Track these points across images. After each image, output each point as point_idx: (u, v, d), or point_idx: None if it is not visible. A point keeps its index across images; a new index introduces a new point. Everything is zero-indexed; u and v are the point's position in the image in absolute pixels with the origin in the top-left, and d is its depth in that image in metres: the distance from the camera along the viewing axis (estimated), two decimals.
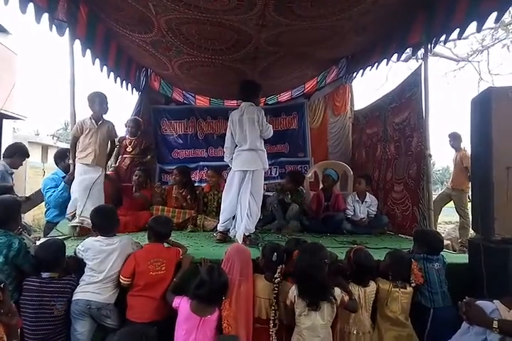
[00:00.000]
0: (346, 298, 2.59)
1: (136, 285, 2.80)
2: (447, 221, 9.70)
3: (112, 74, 5.42)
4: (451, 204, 6.45)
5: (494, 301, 2.09)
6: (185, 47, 4.57)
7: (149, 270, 2.78)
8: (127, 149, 5.78)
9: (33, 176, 11.46)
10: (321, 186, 5.55)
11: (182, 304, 2.58)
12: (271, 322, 2.65)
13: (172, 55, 4.88)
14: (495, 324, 1.94)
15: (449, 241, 6.09)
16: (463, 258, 3.32)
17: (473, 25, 3.66)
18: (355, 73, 6.36)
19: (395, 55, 5.15)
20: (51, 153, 9.96)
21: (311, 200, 5.43)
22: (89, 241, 2.92)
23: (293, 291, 2.59)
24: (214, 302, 2.54)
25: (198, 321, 2.51)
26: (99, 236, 2.91)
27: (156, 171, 6.81)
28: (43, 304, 2.62)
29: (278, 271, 2.69)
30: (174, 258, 2.93)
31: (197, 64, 5.09)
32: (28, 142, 12.20)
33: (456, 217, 7.96)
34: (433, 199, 4.52)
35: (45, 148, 13.79)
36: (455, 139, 6.17)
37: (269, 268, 2.81)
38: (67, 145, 4.61)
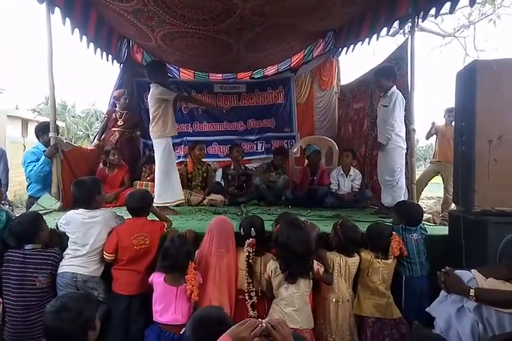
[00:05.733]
0: (321, 269, 2.64)
1: (120, 260, 2.82)
2: (429, 196, 9.88)
3: (91, 45, 5.22)
4: (434, 180, 6.51)
5: (472, 270, 2.15)
6: (168, 17, 4.39)
7: (133, 244, 2.79)
8: (118, 122, 5.65)
9: (13, 151, 11.19)
10: (306, 162, 5.56)
11: (155, 279, 2.62)
12: (246, 294, 2.70)
13: (154, 25, 4.69)
14: (472, 292, 2.00)
15: (430, 215, 6.21)
16: (443, 230, 3.40)
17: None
18: (345, 48, 6.25)
19: (385, 29, 5.07)
20: (31, 128, 9.73)
21: (297, 175, 5.47)
22: (71, 214, 2.89)
23: (270, 265, 2.63)
24: (185, 270, 2.56)
25: (175, 291, 2.56)
26: (80, 209, 2.88)
27: (140, 146, 6.71)
28: (26, 276, 2.62)
29: (245, 245, 2.71)
30: (158, 232, 2.93)
31: (180, 35, 4.91)
32: (7, 116, 11.87)
33: (438, 193, 8.11)
34: (416, 173, 4.56)
35: (25, 122, 13.40)
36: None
37: (243, 241, 2.82)
38: (47, 120, 4.49)
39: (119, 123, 5.65)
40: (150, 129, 4.20)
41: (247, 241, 2.72)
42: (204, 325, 1.67)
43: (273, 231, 2.89)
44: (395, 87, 4.12)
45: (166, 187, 4.09)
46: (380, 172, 4.27)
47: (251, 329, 1.42)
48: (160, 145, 4.13)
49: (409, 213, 3.13)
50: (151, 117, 4.21)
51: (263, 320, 1.46)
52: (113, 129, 5.66)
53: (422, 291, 2.89)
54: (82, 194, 2.91)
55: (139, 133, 5.99)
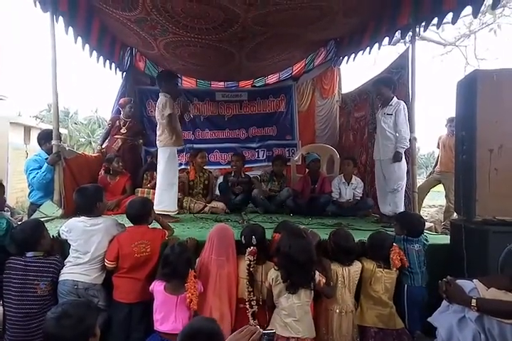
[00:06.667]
0: (323, 280, 2.62)
1: (121, 268, 2.81)
2: (431, 204, 9.86)
3: (94, 53, 5.27)
4: (436, 188, 6.52)
5: (473, 280, 2.14)
6: (171, 26, 4.44)
7: (134, 252, 2.78)
8: (121, 130, 5.69)
9: (16, 158, 11.25)
10: (307, 170, 5.57)
11: (156, 288, 2.61)
12: (247, 303, 2.68)
13: (157, 33, 4.75)
14: (473, 302, 1.99)
15: (432, 224, 6.19)
16: (445, 239, 3.39)
17: (468, 9, 3.60)
18: (346, 57, 6.29)
19: (386, 39, 5.10)
20: (34, 135, 9.79)
21: (298, 183, 5.47)
22: (72, 221, 2.90)
23: (271, 274, 2.62)
24: (185, 279, 2.55)
25: (175, 300, 2.55)
26: (82, 217, 2.89)
27: (142, 154, 6.73)
28: (27, 283, 2.62)
29: (247, 253, 2.70)
30: (159, 239, 2.93)
31: (183, 43, 4.96)
32: (10, 123, 11.92)
33: (440, 201, 8.08)
34: (417, 182, 4.56)
35: (27, 130, 13.46)
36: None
37: (244, 249, 2.81)
38: (50, 127, 4.51)
39: (122, 131, 5.68)
40: (157, 137, 4.22)
41: (248, 250, 2.71)
42: (193, 338, 1.61)
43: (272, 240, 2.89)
44: (395, 97, 4.16)
45: (167, 195, 4.10)
46: (384, 182, 4.23)
47: (249, 336, 1.43)
48: (164, 154, 4.15)
49: (410, 224, 3.11)
50: (158, 124, 4.23)
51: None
52: (116, 136, 5.70)
53: (423, 301, 2.89)
54: (85, 201, 2.92)
55: (141, 141, 6.04)
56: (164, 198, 4.09)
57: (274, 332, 1.64)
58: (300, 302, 2.52)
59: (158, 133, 4.21)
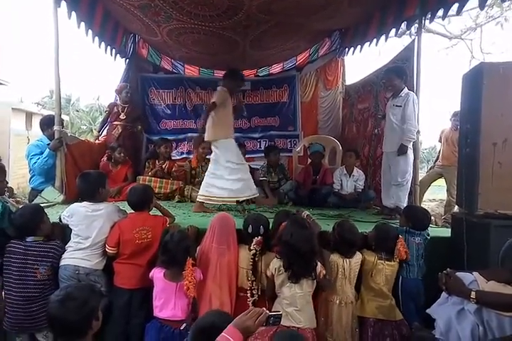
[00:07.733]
0: (323, 272, 2.63)
1: (122, 254, 2.82)
2: (431, 198, 9.86)
3: (96, 39, 5.22)
4: (437, 182, 6.50)
5: (473, 273, 2.14)
6: (175, 13, 4.39)
7: (135, 238, 2.80)
8: (120, 116, 5.66)
9: (17, 144, 11.24)
10: (309, 161, 5.56)
11: (155, 274, 2.63)
12: (248, 292, 2.69)
13: (161, 20, 4.70)
14: (473, 294, 1.99)
15: (432, 217, 6.19)
16: (446, 232, 3.39)
17: (474, 1, 3.56)
18: (352, 48, 6.22)
19: (393, 30, 5.03)
20: (35, 121, 9.76)
21: (299, 173, 5.46)
22: (74, 206, 2.90)
23: (274, 264, 2.62)
24: (184, 266, 2.55)
25: (174, 287, 2.57)
26: (84, 202, 2.89)
27: (143, 142, 6.72)
28: (27, 267, 2.63)
29: (253, 243, 2.70)
30: (160, 226, 2.94)
31: (186, 31, 4.91)
32: (12, 108, 11.88)
33: (441, 195, 8.08)
34: (419, 175, 4.54)
35: (29, 116, 13.42)
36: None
37: (248, 239, 2.81)
38: (52, 113, 4.49)
39: (121, 117, 5.65)
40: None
41: (256, 239, 2.70)
42: (206, 333, 1.61)
43: (272, 230, 2.89)
44: (406, 88, 4.10)
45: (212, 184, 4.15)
46: (389, 174, 4.17)
47: (255, 317, 1.44)
48: (213, 147, 4.18)
49: (415, 217, 3.09)
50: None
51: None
52: (115, 123, 5.67)
53: (418, 293, 2.90)
54: (87, 186, 2.91)
55: (140, 127, 6.00)
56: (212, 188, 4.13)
57: (281, 314, 1.64)
58: (302, 292, 2.54)
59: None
